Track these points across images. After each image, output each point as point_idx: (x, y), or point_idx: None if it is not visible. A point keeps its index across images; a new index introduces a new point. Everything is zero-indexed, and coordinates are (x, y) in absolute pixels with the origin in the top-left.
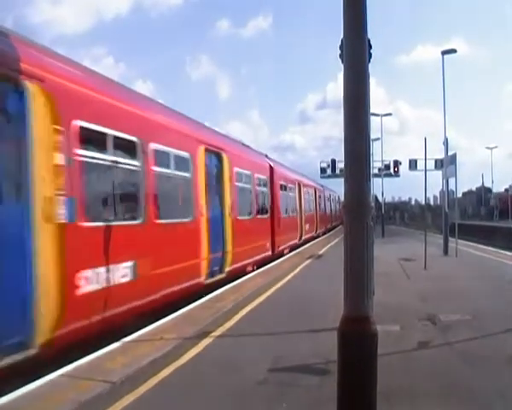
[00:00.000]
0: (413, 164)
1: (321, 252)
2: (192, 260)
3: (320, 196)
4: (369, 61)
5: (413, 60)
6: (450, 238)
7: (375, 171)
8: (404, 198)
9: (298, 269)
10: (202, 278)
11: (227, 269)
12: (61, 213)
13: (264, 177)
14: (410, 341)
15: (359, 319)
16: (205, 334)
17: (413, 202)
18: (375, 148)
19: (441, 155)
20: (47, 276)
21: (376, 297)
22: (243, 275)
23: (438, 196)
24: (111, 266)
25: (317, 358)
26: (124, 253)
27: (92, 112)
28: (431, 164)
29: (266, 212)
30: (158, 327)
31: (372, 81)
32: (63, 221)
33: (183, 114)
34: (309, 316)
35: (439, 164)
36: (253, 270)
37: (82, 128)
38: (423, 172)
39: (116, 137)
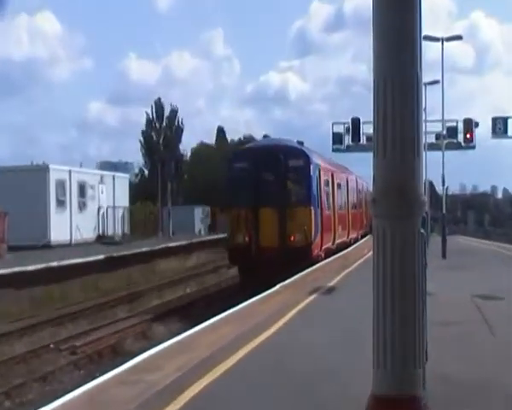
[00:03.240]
0: (500, 126)
1: (338, 279)
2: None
3: (352, 188)
4: None
5: None
6: None
7: (431, 139)
8: (483, 187)
9: (293, 312)
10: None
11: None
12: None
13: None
14: None
15: (400, 401)
16: None
17: (499, 195)
18: (432, 98)
19: None
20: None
21: (431, 365)
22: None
23: None
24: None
25: None
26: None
27: (328, 172)
28: None
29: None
30: None
31: None
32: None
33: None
34: None
35: None
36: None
37: (325, 178)
38: None
39: (332, 180)
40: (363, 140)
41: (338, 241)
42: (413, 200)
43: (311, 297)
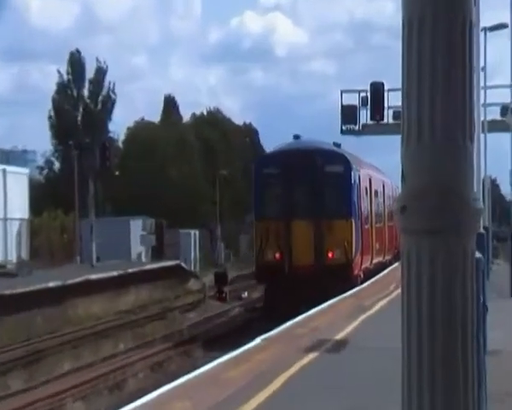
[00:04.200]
0: None
1: (350, 329)
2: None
3: (388, 196)
4: None
5: None
6: None
7: (494, 115)
8: None
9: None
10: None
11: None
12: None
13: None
14: None
15: None
16: None
17: None
18: (495, 51)
19: None
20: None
21: None
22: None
23: None
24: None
25: None
26: (379, 240)
27: (366, 178)
28: None
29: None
30: None
31: None
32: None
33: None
34: None
35: None
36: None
37: (364, 186)
38: None
39: (370, 188)
40: (387, 117)
41: (375, 260)
42: (462, 208)
43: (307, 358)
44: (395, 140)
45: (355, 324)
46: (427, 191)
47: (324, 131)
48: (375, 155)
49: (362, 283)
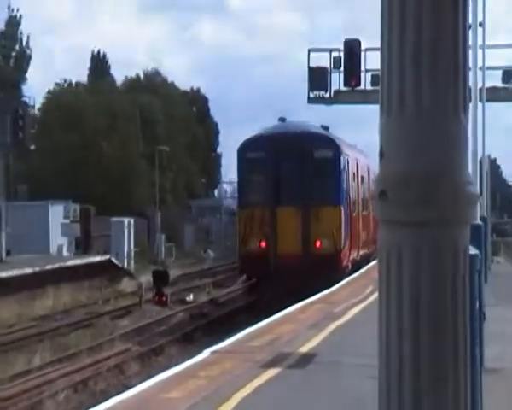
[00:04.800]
0: None
1: (319, 340)
2: None
3: (373, 181)
4: None
5: None
6: None
7: (494, 81)
8: None
9: None
10: None
11: None
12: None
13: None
14: None
15: None
16: None
17: None
18: (495, 5)
19: None
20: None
21: None
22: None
23: None
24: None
25: None
26: (366, 229)
27: (354, 163)
28: None
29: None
30: None
31: None
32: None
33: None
34: None
35: None
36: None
37: (352, 171)
38: None
39: (357, 173)
40: (365, 82)
41: (362, 251)
42: (453, 194)
43: (265, 376)
44: (374, 111)
45: (323, 335)
46: (411, 174)
47: (287, 99)
48: (349, 129)
49: (350, 275)
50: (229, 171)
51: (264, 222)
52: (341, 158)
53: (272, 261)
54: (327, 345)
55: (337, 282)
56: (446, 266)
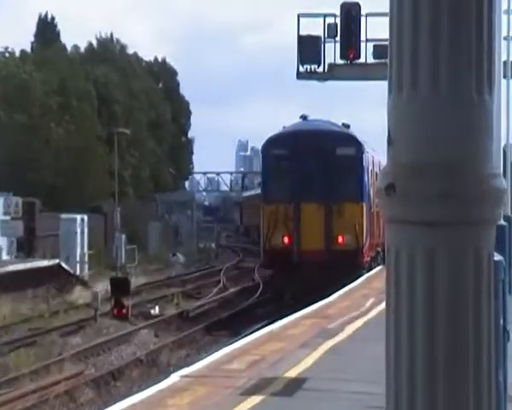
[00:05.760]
0: None
1: (311, 362)
2: None
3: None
4: None
5: None
6: None
7: None
8: None
9: None
10: None
11: None
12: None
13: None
14: None
15: None
16: None
17: None
18: None
19: None
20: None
21: None
22: None
23: None
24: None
25: None
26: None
27: (372, 159)
28: None
29: None
30: None
31: None
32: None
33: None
34: None
35: None
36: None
37: (371, 168)
38: None
39: (374, 169)
40: (366, 54)
41: (379, 248)
42: (475, 189)
43: (245, 407)
44: (377, 88)
45: (315, 356)
46: (425, 164)
47: (272, 75)
48: (345, 110)
49: (369, 271)
50: (203, 159)
51: (288, 218)
52: (364, 155)
53: (295, 257)
54: (319, 368)
55: (357, 277)
56: (467, 276)
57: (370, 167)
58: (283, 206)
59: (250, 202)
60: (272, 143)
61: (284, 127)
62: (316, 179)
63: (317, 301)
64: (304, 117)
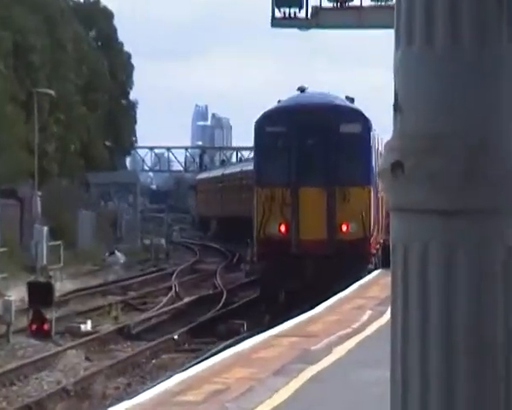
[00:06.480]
0: None
1: (285, 397)
2: None
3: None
4: None
5: None
6: None
7: None
8: None
9: None
10: None
11: None
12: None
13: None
14: None
15: None
16: None
17: None
18: None
19: None
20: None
21: None
22: None
23: None
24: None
25: None
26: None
27: (377, 137)
28: None
29: None
30: None
31: None
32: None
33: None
34: None
35: None
36: None
37: (376, 147)
38: None
39: (378, 148)
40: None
41: (385, 237)
42: (504, 170)
43: None
44: (372, 38)
45: (293, 386)
46: (442, 137)
47: (240, 22)
48: (333, 69)
49: (376, 266)
50: (150, 129)
51: (285, 204)
52: (371, 133)
53: (294, 248)
54: (299, 403)
55: (364, 273)
56: (495, 276)
57: (377, 145)
58: (280, 190)
59: (207, 186)
60: (267, 119)
61: (279, 101)
62: (317, 160)
63: (318, 304)
64: (302, 89)
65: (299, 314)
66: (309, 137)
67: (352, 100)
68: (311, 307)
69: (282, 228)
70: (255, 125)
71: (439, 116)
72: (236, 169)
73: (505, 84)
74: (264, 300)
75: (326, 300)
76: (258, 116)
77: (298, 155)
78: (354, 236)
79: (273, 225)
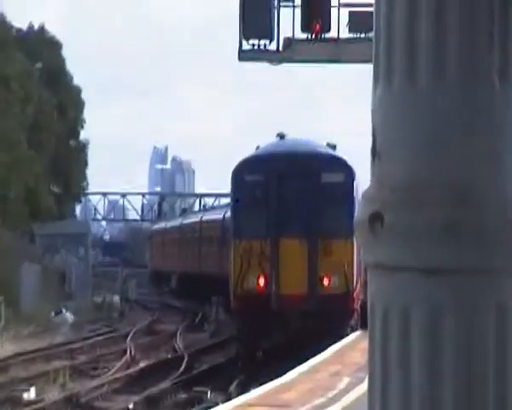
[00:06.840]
0: None
1: None
2: None
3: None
4: None
5: None
6: None
7: None
8: None
9: None
10: None
11: None
12: None
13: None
14: None
15: None
16: None
17: None
18: None
19: None
20: None
21: None
22: None
23: None
24: None
25: None
26: None
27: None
28: None
29: None
30: None
31: None
32: None
33: None
34: None
35: None
36: None
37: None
38: None
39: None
40: (338, 26)
41: (363, 296)
42: (498, 220)
43: None
44: (354, 75)
45: None
46: (427, 186)
47: (206, 54)
48: (309, 104)
49: (357, 323)
50: (102, 174)
51: (264, 256)
52: (354, 183)
53: (274, 303)
54: None
55: (346, 330)
56: (486, 340)
57: (358, 194)
58: (258, 242)
59: (162, 238)
60: (245, 167)
61: (258, 147)
62: (297, 210)
63: (299, 362)
64: (281, 136)
65: (277, 376)
66: (289, 186)
67: (333, 147)
68: (290, 368)
69: (261, 282)
70: (232, 174)
71: (421, 162)
72: (195, 219)
73: (495, 125)
74: (241, 358)
75: (306, 359)
76: (236, 164)
77: (277, 205)
78: (336, 290)
79: (251, 279)
